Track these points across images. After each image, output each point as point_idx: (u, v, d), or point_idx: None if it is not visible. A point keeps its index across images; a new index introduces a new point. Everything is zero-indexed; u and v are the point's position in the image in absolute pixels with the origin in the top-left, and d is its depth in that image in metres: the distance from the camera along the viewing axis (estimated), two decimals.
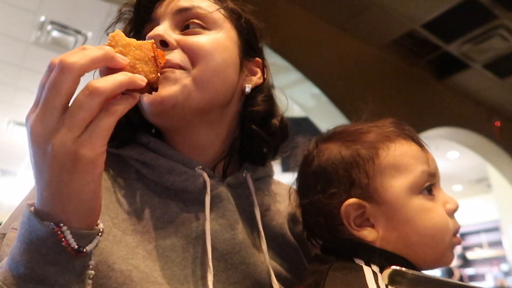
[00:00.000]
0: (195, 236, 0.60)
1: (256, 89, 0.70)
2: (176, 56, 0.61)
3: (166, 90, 0.58)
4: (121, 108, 0.42)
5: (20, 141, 5.65)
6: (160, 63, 0.49)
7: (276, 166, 0.78)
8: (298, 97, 3.60)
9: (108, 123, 0.41)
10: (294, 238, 0.71)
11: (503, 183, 5.61)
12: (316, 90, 3.43)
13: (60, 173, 0.41)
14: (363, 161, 0.63)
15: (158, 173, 0.62)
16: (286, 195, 0.77)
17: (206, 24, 0.65)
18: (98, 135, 0.41)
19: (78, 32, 3.52)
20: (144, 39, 0.63)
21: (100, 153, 0.42)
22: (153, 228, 0.59)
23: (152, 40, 0.50)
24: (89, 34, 3.54)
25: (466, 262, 8.72)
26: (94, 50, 0.42)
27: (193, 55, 0.61)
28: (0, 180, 7.13)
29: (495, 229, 8.14)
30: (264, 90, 0.71)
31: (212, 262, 0.58)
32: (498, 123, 5.11)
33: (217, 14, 0.66)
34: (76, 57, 0.40)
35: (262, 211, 0.68)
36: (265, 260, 0.63)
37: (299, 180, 0.70)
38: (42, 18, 3.33)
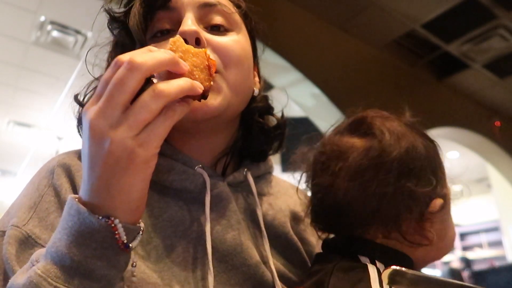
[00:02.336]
0: (195, 236, 0.59)
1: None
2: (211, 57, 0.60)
3: (213, 100, 0.58)
4: (178, 113, 0.44)
5: (20, 141, 5.65)
6: (212, 72, 0.50)
7: (276, 166, 0.79)
8: (298, 97, 3.60)
9: (165, 127, 0.43)
10: (296, 237, 0.70)
11: (503, 183, 5.60)
12: (316, 90, 3.43)
13: (114, 169, 0.41)
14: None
15: (156, 171, 0.61)
16: (286, 191, 0.77)
17: (228, 24, 0.64)
18: (155, 136, 0.42)
19: (78, 32, 3.53)
20: (155, 26, 0.62)
21: (154, 154, 0.43)
22: (152, 228, 0.58)
23: (206, 48, 0.51)
24: (89, 34, 3.54)
25: (467, 263, 8.72)
26: (161, 53, 0.43)
27: (225, 58, 0.61)
28: (0, 180, 7.13)
29: (495, 229, 8.13)
30: (261, 91, 0.73)
31: (213, 263, 0.57)
32: (498, 123, 5.11)
33: (236, 16, 0.66)
34: (145, 57, 0.42)
35: (264, 210, 0.68)
36: (268, 260, 0.62)
37: (371, 169, 0.61)
38: (42, 18, 3.34)
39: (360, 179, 0.61)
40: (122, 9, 0.65)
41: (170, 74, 0.45)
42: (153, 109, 0.41)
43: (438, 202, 0.62)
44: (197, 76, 0.47)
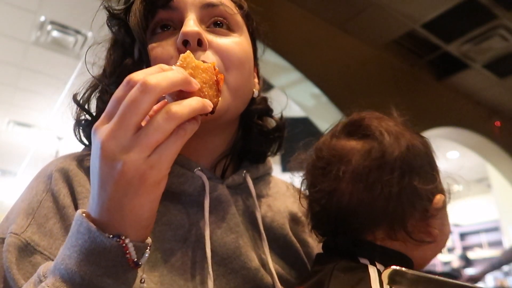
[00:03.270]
0: (194, 239, 0.59)
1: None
2: (211, 58, 0.59)
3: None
4: (188, 132, 0.43)
5: (20, 141, 5.64)
6: (220, 87, 0.50)
7: (276, 166, 0.78)
8: (298, 97, 3.60)
9: (176, 147, 0.42)
10: (295, 238, 0.70)
11: (503, 183, 5.60)
12: (316, 90, 3.43)
13: (125, 190, 0.41)
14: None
15: None
16: (285, 192, 0.77)
17: (230, 25, 0.64)
18: (166, 157, 0.42)
19: (78, 32, 3.53)
20: (156, 25, 0.61)
21: (165, 175, 0.43)
22: (151, 232, 0.58)
23: (214, 62, 0.51)
24: (89, 34, 3.54)
25: (468, 263, 8.71)
26: (174, 73, 0.43)
27: (226, 60, 0.60)
28: (0, 180, 7.13)
29: (495, 229, 8.13)
30: (260, 92, 0.73)
31: (212, 267, 0.57)
32: (498, 123, 5.11)
33: (238, 17, 0.65)
34: (159, 78, 0.41)
35: (263, 211, 0.68)
36: (267, 263, 0.62)
37: (375, 170, 0.61)
38: (42, 18, 3.33)
39: (365, 182, 0.60)
40: (121, 6, 0.64)
41: (181, 92, 0.45)
42: (166, 131, 0.41)
43: (441, 197, 0.62)
44: (206, 93, 0.47)
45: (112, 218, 0.42)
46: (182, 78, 0.43)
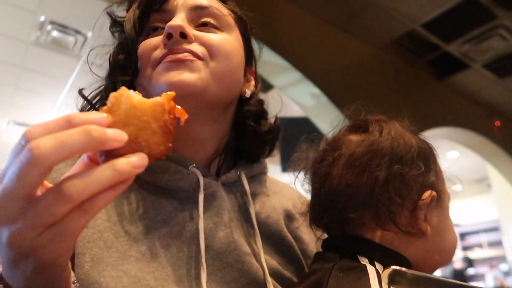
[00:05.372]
0: (189, 235, 0.60)
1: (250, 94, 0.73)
2: (196, 47, 0.61)
3: (186, 76, 0.59)
4: (100, 206, 0.35)
5: None
6: (172, 128, 0.39)
7: (276, 166, 0.79)
8: (298, 97, 3.60)
9: (78, 225, 0.34)
10: (290, 235, 0.71)
11: (503, 183, 5.60)
12: (316, 90, 3.43)
13: (14, 263, 0.36)
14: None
15: (151, 172, 0.62)
16: (280, 191, 0.78)
17: (219, 25, 0.67)
18: (62, 237, 0.34)
19: (78, 32, 3.53)
20: (150, 27, 0.65)
21: (61, 254, 0.37)
22: (147, 229, 0.58)
23: (173, 92, 0.40)
24: (89, 34, 3.54)
25: (469, 263, 8.72)
26: (77, 136, 0.33)
27: (212, 50, 0.63)
28: None
29: (495, 229, 8.14)
30: (256, 96, 0.74)
31: (207, 261, 0.58)
32: (498, 123, 5.11)
33: (229, 18, 0.68)
34: (52, 144, 0.32)
35: (257, 208, 0.69)
36: (260, 257, 0.63)
37: (365, 156, 0.64)
38: (42, 18, 3.33)
39: (355, 166, 0.64)
40: (124, 13, 0.68)
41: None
42: (57, 214, 0.33)
43: (430, 193, 0.63)
44: (143, 143, 0.37)
45: (11, 278, 0.39)
46: (86, 141, 0.33)
